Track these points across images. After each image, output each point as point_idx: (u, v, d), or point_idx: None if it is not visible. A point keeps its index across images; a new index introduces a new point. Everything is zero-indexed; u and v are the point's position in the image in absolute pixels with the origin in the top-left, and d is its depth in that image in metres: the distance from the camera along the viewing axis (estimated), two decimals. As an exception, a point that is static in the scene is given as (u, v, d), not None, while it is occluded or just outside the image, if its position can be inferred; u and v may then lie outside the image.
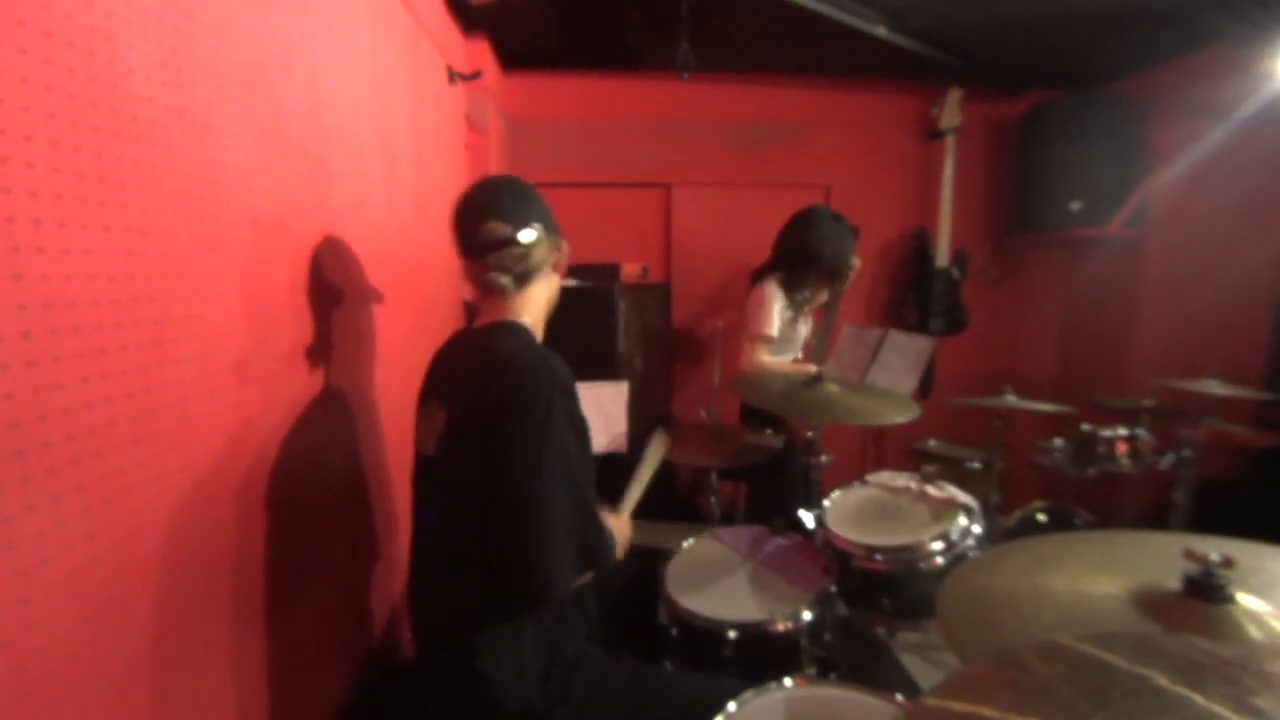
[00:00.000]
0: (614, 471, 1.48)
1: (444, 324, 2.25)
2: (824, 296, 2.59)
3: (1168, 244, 2.95)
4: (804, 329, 2.45)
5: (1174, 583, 0.75)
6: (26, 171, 0.65)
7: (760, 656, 1.36)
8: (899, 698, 1.06)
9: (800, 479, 2.26)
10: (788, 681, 1.12)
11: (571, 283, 2.65)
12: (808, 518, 1.87)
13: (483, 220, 1.15)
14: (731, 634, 1.36)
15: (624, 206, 3.25)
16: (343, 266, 1.39)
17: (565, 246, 1.25)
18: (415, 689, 1.16)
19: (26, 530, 0.64)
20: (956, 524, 1.55)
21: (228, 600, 0.99)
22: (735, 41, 2.81)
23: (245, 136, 1.05)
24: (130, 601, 0.79)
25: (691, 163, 3.26)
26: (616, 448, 2.09)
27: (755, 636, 1.36)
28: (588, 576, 1.17)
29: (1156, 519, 2.45)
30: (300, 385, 1.22)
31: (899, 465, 2.38)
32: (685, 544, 1.69)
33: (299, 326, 1.22)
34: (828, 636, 1.44)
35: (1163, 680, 0.47)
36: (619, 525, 1.32)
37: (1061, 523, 2.38)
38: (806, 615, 1.38)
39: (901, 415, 1.53)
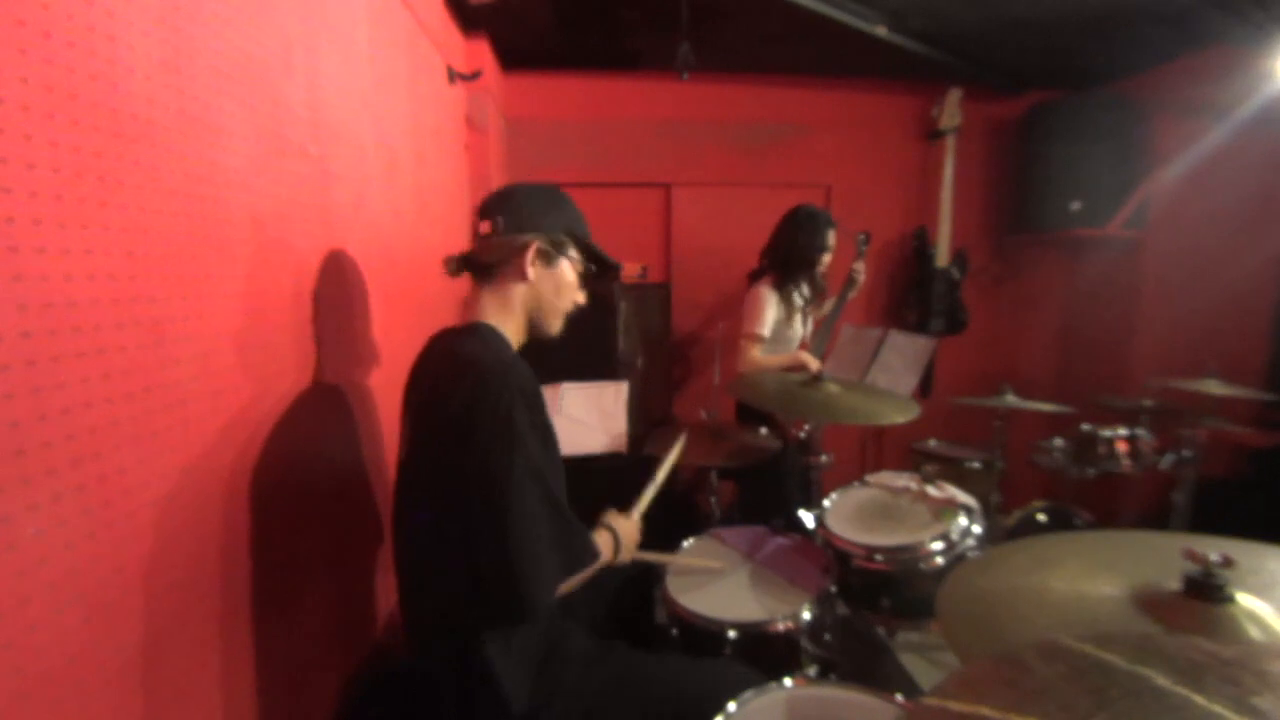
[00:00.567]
0: (621, 472, 1.46)
1: (444, 324, 2.25)
2: (827, 306, 2.60)
3: (1168, 244, 2.95)
4: (800, 329, 2.46)
5: (1174, 583, 0.75)
6: (26, 171, 0.65)
7: (760, 656, 1.36)
8: (899, 698, 1.06)
9: (795, 479, 2.26)
10: (788, 681, 1.12)
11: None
12: (808, 518, 1.87)
13: (479, 218, 1.19)
14: (731, 634, 1.36)
15: (624, 206, 3.25)
16: (343, 266, 1.39)
17: (531, 246, 1.15)
18: (410, 691, 1.15)
19: (26, 530, 0.64)
20: (956, 524, 1.55)
21: (228, 600, 0.99)
22: (735, 41, 2.81)
23: (245, 136, 1.05)
24: (130, 601, 0.79)
25: (691, 163, 3.26)
26: (616, 448, 2.09)
27: (755, 636, 1.36)
28: (572, 581, 1.14)
29: (1156, 519, 2.45)
30: (300, 385, 1.22)
31: (899, 465, 2.38)
32: (685, 544, 1.69)
33: (299, 326, 1.22)
34: (828, 636, 1.44)
35: (1163, 680, 0.47)
36: (627, 529, 1.29)
37: (1061, 523, 2.38)
38: (806, 615, 1.38)
39: (901, 415, 1.53)
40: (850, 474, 1.97)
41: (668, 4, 2.27)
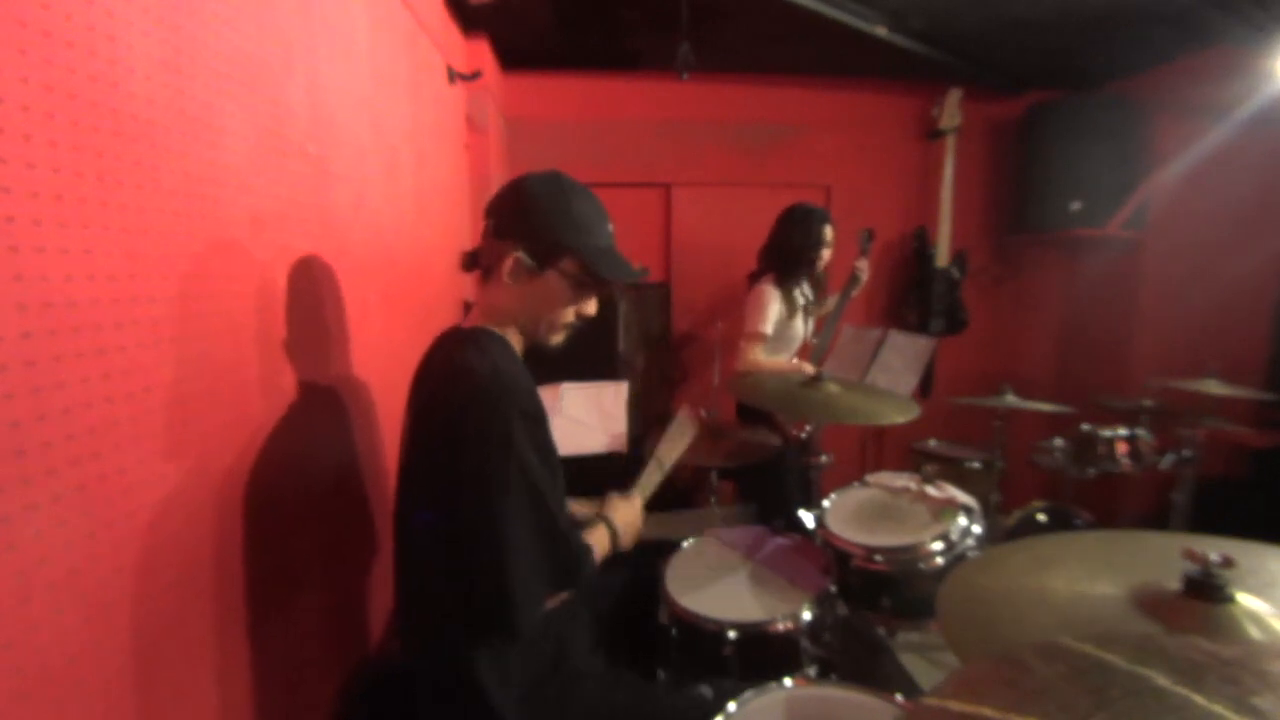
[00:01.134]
0: (621, 472, 1.44)
1: (444, 324, 2.25)
2: (829, 304, 2.60)
3: (1168, 244, 2.95)
4: (801, 328, 2.46)
5: (1174, 583, 0.75)
6: (26, 171, 0.65)
7: (760, 656, 1.36)
8: (899, 698, 1.06)
9: (795, 479, 2.26)
10: (788, 681, 1.12)
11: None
12: (808, 518, 1.87)
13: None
14: (731, 634, 1.36)
15: (624, 206, 3.23)
16: (343, 266, 1.39)
17: (513, 262, 1.08)
18: (405, 695, 1.14)
19: (26, 530, 0.64)
20: (956, 524, 1.54)
21: (227, 600, 0.99)
22: (735, 41, 2.81)
23: (245, 136, 1.05)
24: (130, 602, 0.79)
25: (691, 163, 3.26)
26: (616, 448, 2.09)
27: (755, 636, 1.36)
28: (564, 596, 1.13)
29: (1156, 519, 2.45)
30: (300, 385, 1.22)
31: (899, 465, 2.38)
32: (685, 544, 1.69)
33: (299, 326, 1.22)
34: (828, 636, 1.44)
35: (1163, 680, 0.47)
36: (629, 514, 1.27)
37: (1061, 523, 2.38)
38: (806, 615, 1.38)
39: (901, 415, 1.53)
40: (850, 474, 1.97)
41: (668, 4, 2.27)
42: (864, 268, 2.58)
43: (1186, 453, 2.09)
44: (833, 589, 1.49)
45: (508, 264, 1.09)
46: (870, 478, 1.87)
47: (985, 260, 3.46)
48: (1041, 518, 2.42)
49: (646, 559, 1.57)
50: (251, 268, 1.06)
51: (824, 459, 2.04)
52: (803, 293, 2.42)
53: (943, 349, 3.07)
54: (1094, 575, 0.82)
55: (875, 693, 1.08)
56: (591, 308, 1.18)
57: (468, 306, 2.55)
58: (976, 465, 2.73)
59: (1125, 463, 2.08)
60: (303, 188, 1.25)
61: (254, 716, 1.06)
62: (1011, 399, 2.31)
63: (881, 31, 2.61)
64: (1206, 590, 0.72)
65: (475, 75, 2.56)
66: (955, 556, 1.50)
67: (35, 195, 0.66)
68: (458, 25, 2.52)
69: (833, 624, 1.47)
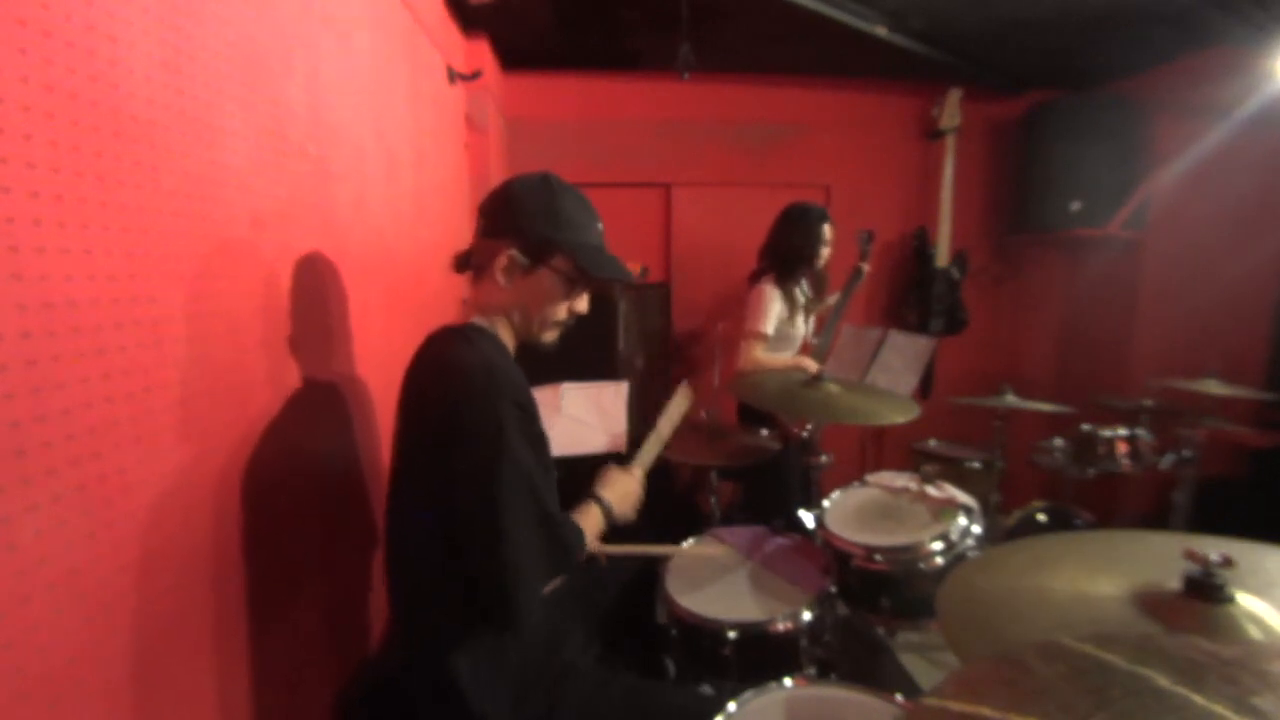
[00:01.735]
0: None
1: (442, 322, 2.25)
2: (829, 300, 2.60)
3: (1168, 244, 2.95)
4: (802, 327, 2.46)
5: (1174, 583, 0.75)
6: (26, 171, 0.65)
7: (760, 656, 1.36)
8: (899, 698, 1.06)
9: (797, 478, 2.26)
10: (788, 681, 1.12)
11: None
12: (808, 518, 1.87)
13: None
14: (731, 634, 1.36)
15: (624, 206, 3.25)
16: (343, 266, 1.39)
17: (506, 259, 1.10)
18: (404, 700, 1.13)
19: (26, 530, 0.64)
20: (956, 524, 1.54)
21: (226, 601, 0.99)
22: (735, 41, 2.81)
23: (245, 136, 1.05)
24: (130, 602, 0.79)
25: (691, 163, 3.26)
26: (616, 448, 2.09)
27: (755, 636, 1.36)
28: (557, 581, 1.13)
29: (1156, 519, 2.45)
30: (300, 385, 1.22)
31: (899, 465, 2.38)
32: (685, 544, 1.69)
33: (299, 326, 1.22)
34: (828, 636, 1.44)
35: (1163, 680, 0.47)
36: (625, 483, 1.27)
37: (1061, 523, 2.38)
38: (806, 615, 1.38)
39: (901, 415, 1.53)
40: (850, 474, 1.97)
41: (668, 4, 2.27)
42: (864, 269, 2.59)
43: (1186, 453, 2.09)
44: (833, 589, 1.49)
45: (501, 261, 1.10)
46: (870, 478, 1.87)
47: (985, 260, 3.46)
48: (1041, 518, 2.42)
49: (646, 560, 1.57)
50: (251, 268, 1.06)
51: (824, 459, 2.05)
52: (803, 291, 2.42)
53: (943, 349, 3.07)
54: (1094, 575, 0.82)
55: (875, 693, 1.08)
56: (583, 305, 1.19)
57: (467, 307, 2.55)
58: (976, 465, 2.73)
59: (1125, 463, 2.08)
60: (303, 188, 1.25)
61: (253, 717, 1.06)
62: (1011, 399, 2.31)
63: (881, 31, 2.61)
64: (1206, 590, 0.72)
65: (475, 75, 2.56)
66: (955, 556, 1.50)
67: (35, 195, 0.66)
68: (458, 25, 2.52)
69: (833, 624, 1.47)
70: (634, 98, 3.20)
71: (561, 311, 1.16)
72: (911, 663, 2.02)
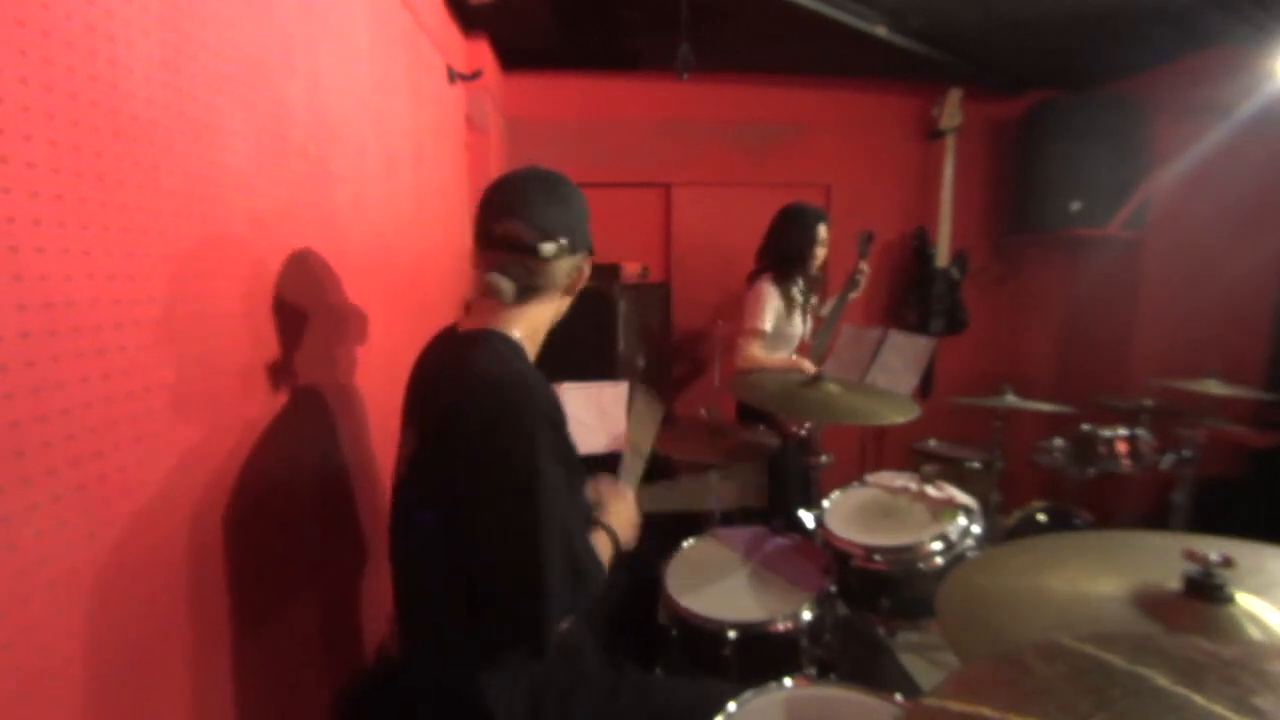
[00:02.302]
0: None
1: (443, 324, 2.25)
2: (828, 305, 2.60)
3: (1168, 244, 2.95)
4: (800, 326, 2.46)
5: (1174, 583, 0.75)
6: (26, 171, 0.65)
7: (760, 656, 1.36)
8: (899, 698, 1.06)
9: (796, 478, 2.26)
10: (788, 681, 1.12)
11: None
12: (807, 518, 1.87)
13: (507, 215, 1.01)
14: (731, 634, 1.36)
15: (624, 206, 3.25)
16: (343, 266, 1.39)
17: (588, 268, 1.09)
18: (402, 704, 1.10)
19: (26, 530, 0.64)
20: (956, 524, 1.55)
21: (226, 602, 0.99)
22: (735, 41, 2.81)
23: (245, 136, 1.05)
24: (130, 602, 0.79)
25: (691, 163, 3.26)
26: (616, 448, 2.09)
27: (755, 636, 1.36)
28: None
29: (1156, 519, 2.45)
30: (300, 386, 1.22)
31: (899, 465, 2.38)
32: (685, 544, 1.69)
33: (299, 326, 1.22)
34: (828, 636, 1.44)
35: (1163, 680, 0.47)
36: (626, 513, 1.22)
37: (1061, 523, 2.38)
38: (806, 615, 1.38)
39: (901, 415, 1.53)
40: (850, 474, 1.97)
41: (668, 4, 2.27)
42: (864, 270, 2.58)
43: (1186, 453, 2.09)
44: (833, 589, 1.49)
45: (581, 278, 1.10)
46: (870, 478, 1.87)
47: (985, 260, 3.46)
48: (1041, 518, 2.42)
49: (646, 560, 1.57)
50: (251, 268, 1.06)
51: (824, 459, 2.04)
52: (800, 291, 2.43)
53: (943, 349, 3.07)
54: (1094, 575, 0.82)
55: (875, 693, 1.08)
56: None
57: (468, 307, 2.55)
58: (976, 465, 2.73)
59: (1125, 463, 2.08)
60: (303, 188, 1.25)
61: (254, 717, 1.05)
62: (1011, 399, 2.31)
63: (881, 31, 2.61)
64: (1206, 590, 0.72)
65: (475, 75, 2.56)
66: (955, 556, 1.50)
67: (35, 195, 0.66)
68: (458, 25, 2.52)
69: (833, 624, 1.47)
70: (634, 98, 3.20)
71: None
72: (911, 663, 2.02)
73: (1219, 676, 0.47)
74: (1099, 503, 2.69)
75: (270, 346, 1.12)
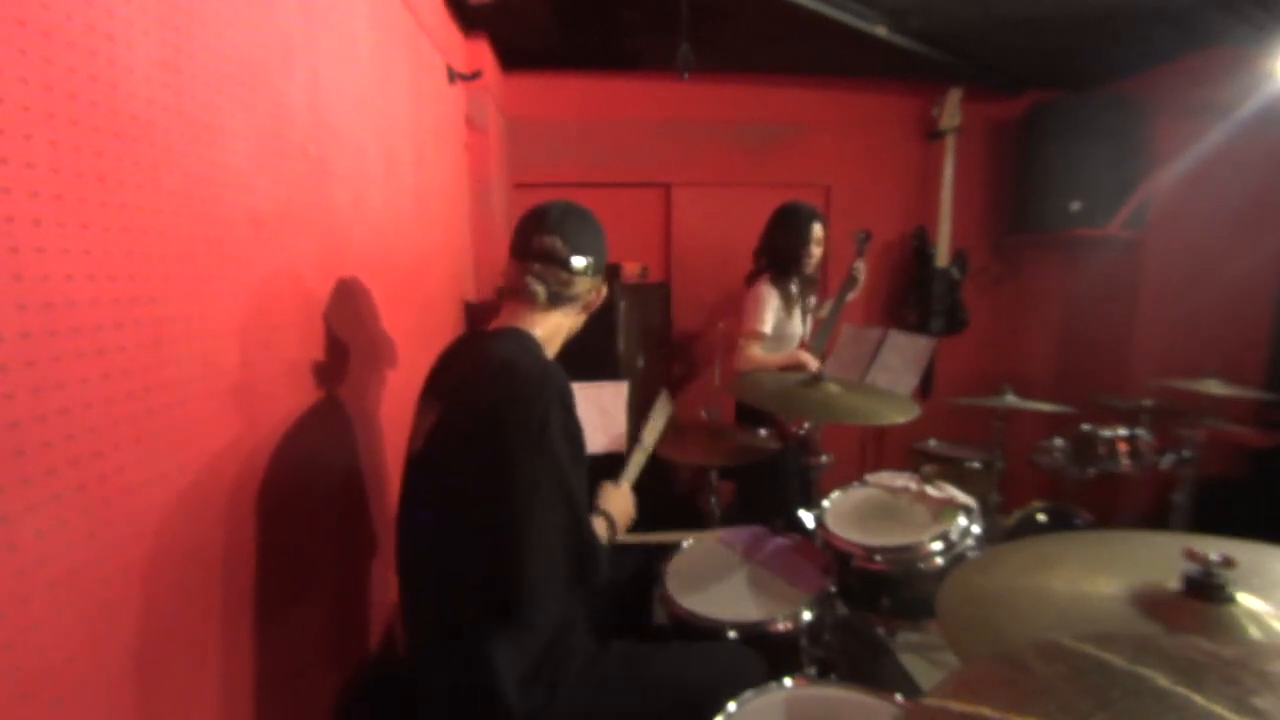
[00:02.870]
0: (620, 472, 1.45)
1: (443, 324, 2.25)
2: (826, 306, 2.60)
3: (1168, 244, 2.95)
4: (799, 326, 2.46)
5: (1174, 583, 0.75)
6: (26, 171, 0.65)
7: (763, 658, 1.36)
8: (899, 698, 1.06)
9: (795, 478, 2.26)
10: (788, 681, 1.12)
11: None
12: (807, 518, 1.87)
13: (548, 233, 1.17)
14: (731, 634, 1.36)
15: (624, 206, 3.25)
16: (342, 267, 1.39)
17: (604, 291, 1.27)
18: (408, 692, 1.14)
19: (26, 530, 0.64)
20: (956, 524, 1.55)
21: (226, 601, 0.99)
22: (735, 41, 2.81)
23: (245, 136, 1.05)
24: (129, 602, 0.79)
25: (691, 163, 3.26)
26: (616, 448, 2.09)
27: (755, 636, 1.36)
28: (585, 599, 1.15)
29: (1156, 519, 2.45)
30: (300, 386, 1.22)
31: (899, 465, 2.38)
32: (685, 544, 1.69)
33: (298, 327, 1.22)
34: (828, 636, 1.44)
35: (1163, 680, 0.47)
36: (620, 501, 1.29)
37: (1061, 523, 2.38)
38: (806, 615, 1.38)
39: (901, 415, 1.53)
40: (850, 474, 1.97)
41: (668, 4, 2.26)
42: (861, 269, 2.58)
43: (1186, 453, 2.09)
44: (833, 589, 1.49)
45: (598, 299, 1.26)
46: (870, 478, 1.87)
47: (985, 260, 3.46)
48: (1041, 518, 2.42)
49: (645, 559, 1.57)
50: (251, 267, 1.06)
51: (824, 459, 2.04)
52: (798, 291, 2.42)
53: (943, 349, 3.07)
54: (1094, 575, 0.82)
55: (875, 693, 1.08)
56: None
57: (469, 308, 2.55)
58: (976, 465, 2.72)
59: (1125, 463, 2.08)
60: (303, 188, 1.25)
61: (254, 717, 1.06)
62: (1011, 399, 2.31)
63: (881, 31, 2.61)
64: (1206, 590, 0.72)
65: (475, 75, 2.56)
66: (955, 556, 1.50)
67: (35, 195, 0.66)
68: (458, 25, 2.52)
69: (833, 624, 1.47)
70: (634, 98, 3.20)
71: None
72: (911, 663, 2.02)
73: (1219, 676, 0.47)
74: (1099, 503, 2.69)
75: (270, 346, 1.12)
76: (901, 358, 2.29)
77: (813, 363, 2.27)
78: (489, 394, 1.03)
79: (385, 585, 1.60)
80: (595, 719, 1.11)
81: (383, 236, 1.69)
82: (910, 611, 1.54)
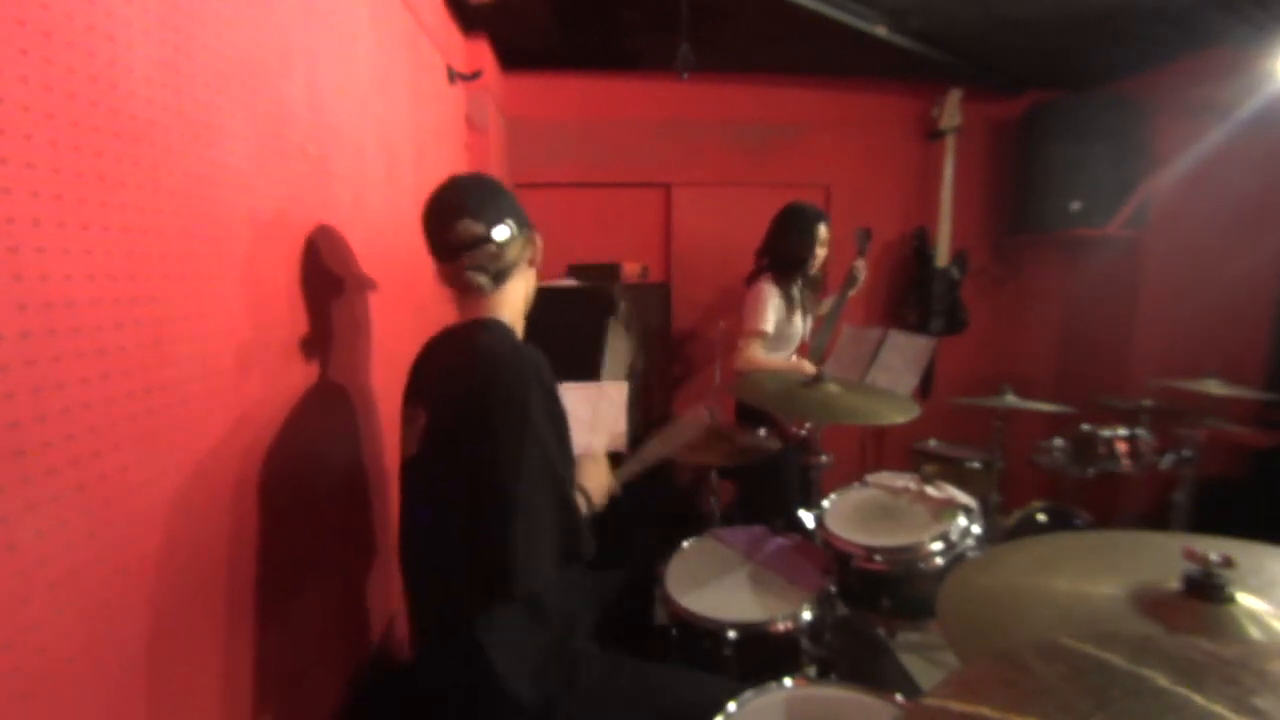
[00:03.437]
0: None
1: (442, 323, 2.25)
2: (827, 304, 2.60)
3: (1168, 244, 2.95)
4: (800, 326, 2.46)
5: (1174, 583, 0.75)
6: (26, 171, 0.65)
7: (760, 656, 1.36)
8: (899, 698, 1.06)
9: (796, 478, 2.26)
10: (788, 681, 1.12)
11: (571, 283, 2.65)
12: (808, 518, 1.87)
13: (455, 220, 1.13)
14: (731, 634, 1.36)
15: (624, 206, 3.25)
16: (342, 267, 1.39)
17: (539, 241, 1.23)
18: (415, 687, 1.15)
19: (26, 530, 0.64)
20: (956, 524, 1.55)
21: (227, 600, 0.99)
22: (735, 41, 2.81)
23: (245, 136, 1.05)
24: (130, 602, 0.79)
25: (691, 163, 3.26)
26: (616, 448, 2.09)
27: (755, 636, 1.36)
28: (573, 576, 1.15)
29: (1156, 519, 2.45)
30: (300, 386, 1.22)
31: (899, 465, 2.38)
32: (685, 544, 1.69)
33: (298, 327, 1.22)
34: (828, 636, 1.44)
35: (1163, 680, 0.47)
36: (595, 472, 1.27)
37: (1061, 523, 2.38)
38: (806, 615, 1.38)
39: (901, 415, 1.53)
40: (850, 474, 1.97)
41: (668, 4, 2.26)
42: (861, 267, 2.58)
43: (1186, 453, 2.09)
44: (833, 589, 1.49)
45: (537, 251, 1.21)
46: (870, 478, 1.87)
47: (985, 260, 3.46)
48: (1041, 518, 2.42)
49: (646, 559, 1.58)
50: (251, 268, 1.06)
51: (824, 459, 2.04)
52: (800, 290, 2.42)
53: (943, 349, 3.07)
54: (1094, 575, 0.82)
55: (875, 693, 1.08)
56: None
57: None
58: (976, 465, 2.72)
59: (1125, 463, 2.08)
60: (303, 188, 1.25)
61: (255, 716, 1.06)
62: (1011, 399, 2.31)
63: (881, 31, 2.61)
64: (1206, 590, 0.72)
65: (475, 75, 2.55)
66: (955, 556, 1.50)
67: (35, 195, 0.66)
68: (458, 25, 2.52)
69: (833, 624, 1.47)
70: (634, 98, 3.20)
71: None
72: (911, 663, 2.02)
73: (1219, 676, 0.47)
74: (1099, 503, 2.69)
75: (270, 346, 1.12)
76: (901, 358, 2.29)
77: (812, 371, 2.27)
78: (468, 386, 1.04)
79: (386, 584, 1.60)
80: (611, 708, 1.11)
81: (382, 236, 1.69)
82: (910, 611, 1.54)
